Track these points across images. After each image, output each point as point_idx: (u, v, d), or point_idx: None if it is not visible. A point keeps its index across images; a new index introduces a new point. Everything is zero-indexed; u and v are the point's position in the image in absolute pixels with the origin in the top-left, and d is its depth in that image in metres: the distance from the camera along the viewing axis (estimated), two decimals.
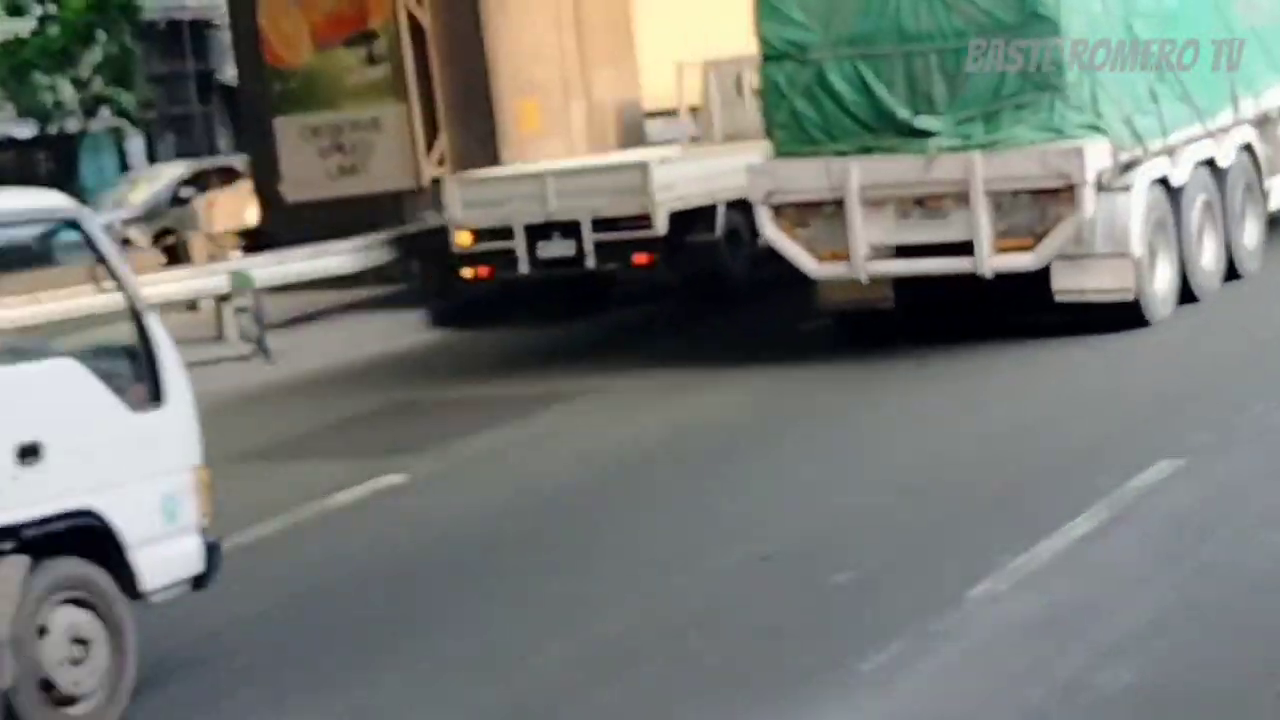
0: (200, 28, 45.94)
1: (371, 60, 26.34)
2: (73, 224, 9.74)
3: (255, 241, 26.72)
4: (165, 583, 9.68)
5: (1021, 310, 17.40)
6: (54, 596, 9.07)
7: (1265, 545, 10.22)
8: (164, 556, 9.62)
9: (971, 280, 16.82)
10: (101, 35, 40.60)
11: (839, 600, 10.18)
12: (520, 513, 13.11)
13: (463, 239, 21.65)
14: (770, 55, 17.39)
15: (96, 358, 9.60)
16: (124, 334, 9.69)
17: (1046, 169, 16.36)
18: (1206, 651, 8.79)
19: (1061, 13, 16.33)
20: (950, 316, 17.77)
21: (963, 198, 16.56)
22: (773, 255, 18.07)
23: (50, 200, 9.98)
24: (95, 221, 9.75)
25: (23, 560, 8.90)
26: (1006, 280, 16.78)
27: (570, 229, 21.03)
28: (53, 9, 38.22)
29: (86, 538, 9.26)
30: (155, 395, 9.68)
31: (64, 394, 9.30)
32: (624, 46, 29.05)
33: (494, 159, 26.00)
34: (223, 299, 22.00)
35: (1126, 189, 16.67)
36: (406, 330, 22.34)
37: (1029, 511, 11.46)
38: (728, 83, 23.97)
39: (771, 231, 17.43)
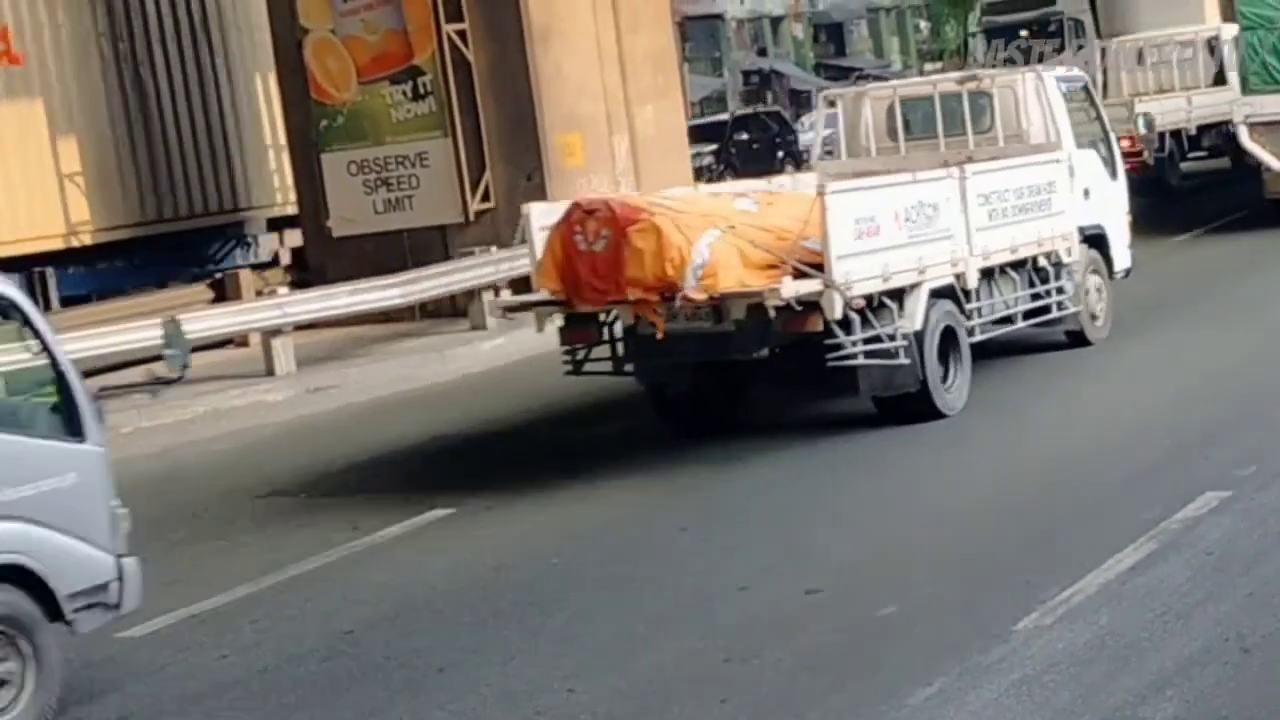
0: None
1: (417, 95, 26.44)
2: (1086, 87, 19.91)
3: (302, 276, 26.87)
4: (1120, 270, 19.63)
5: None
6: (1089, 267, 18.72)
7: None
8: (1121, 253, 19.62)
9: None
10: None
11: (885, 634, 10.20)
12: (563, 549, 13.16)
13: None
14: (1247, 26, 27.10)
15: (1095, 147, 19.27)
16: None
17: None
18: (1252, 683, 8.79)
19: None
20: None
21: None
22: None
23: (1074, 73, 20.46)
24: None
25: (1084, 248, 18.51)
26: None
27: None
28: None
29: (1097, 242, 18.98)
30: (1112, 175, 19.62)
31: (1091, 169, 19.12)
32: (668, 81, 29.16)
33: (540, 193, 26.08)
34: (272, 334, 22.13)
35: None
36: None
37: (1075, 543, 11.47)
38: (1130, 56, 34.38)
39: (1247, 142, 26.83)
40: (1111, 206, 19.51)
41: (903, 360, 15.28)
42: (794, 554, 12.12)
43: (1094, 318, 18.88)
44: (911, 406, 15.60)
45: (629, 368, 16.11)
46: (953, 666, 9.38)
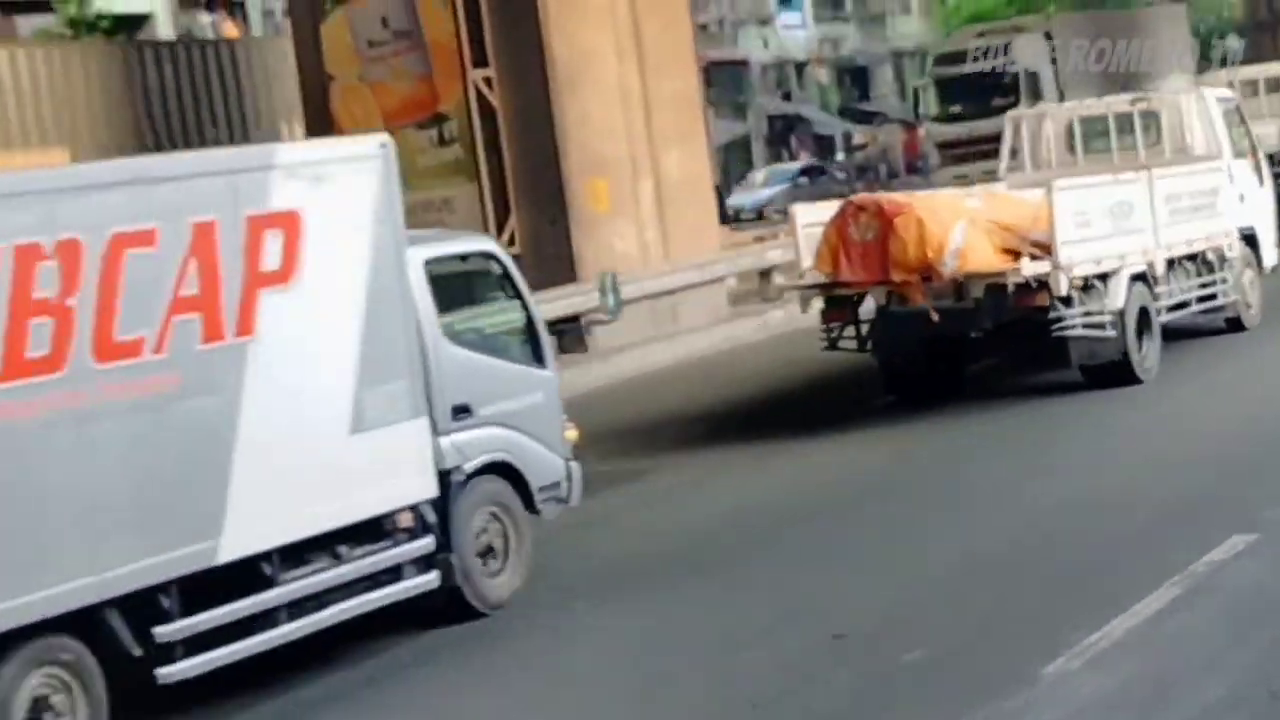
0: None
1: (443, 141, 26.55)
2: (1237, 106, 22.69)
3: None
4: (1269, 266, 21.81)
5: None
6: (1245, 262, 21.02)
7: None
8: (1270, 251, 21.75)
9: None
10: None
11: (912, 679, 10.16)
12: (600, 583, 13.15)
13: None
14: None
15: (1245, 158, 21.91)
16: None
17: None
18: None
19: None
20: None
21: None
22: None
23: (1228, 93, 23.64)
24: None
25: (1241, 244, 20.92)
26: None
27: None
28: None
29: (1249, 240, 21.21)
30: (1260, 182, 21.73)
31: (1245, 176, 21.37)
32: (692, 126, 29.23)
33: (565, 237, 26.15)
34: None
35: None
36: None
37: (1102, 587, 11.41)
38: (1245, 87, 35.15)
39: None
40: (1261, 210, 22.02)
41: (1110, 333, 18.02)
42: (820, 597, 12.05)
43: (1249, 306, 21.29)
44: (1114, 373, 18.21)
45: (869, 345, 18.50)
46: (978, 712, 9.34)
